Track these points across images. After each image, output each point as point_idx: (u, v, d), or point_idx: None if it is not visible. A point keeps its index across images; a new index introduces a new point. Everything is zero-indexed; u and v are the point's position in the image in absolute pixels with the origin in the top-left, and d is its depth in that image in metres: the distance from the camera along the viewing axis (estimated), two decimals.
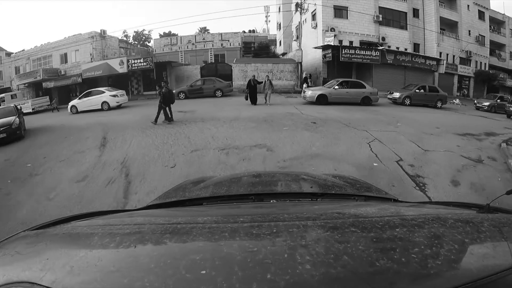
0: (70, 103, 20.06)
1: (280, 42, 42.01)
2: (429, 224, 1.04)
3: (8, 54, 40.52)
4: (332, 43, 26.07)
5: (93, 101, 19.22)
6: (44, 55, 33.62)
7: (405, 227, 0.99)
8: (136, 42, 48.92)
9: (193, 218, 1.29)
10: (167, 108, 12.38)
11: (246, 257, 0.80)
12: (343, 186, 2.03)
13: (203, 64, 29.73)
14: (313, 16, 28.91)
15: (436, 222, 1.06)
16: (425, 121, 13.17)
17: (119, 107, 19.30)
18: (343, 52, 24.83)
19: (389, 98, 19.42)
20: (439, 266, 0.75)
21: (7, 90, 33.13)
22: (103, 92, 19.63)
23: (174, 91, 22.61)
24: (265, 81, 16.98)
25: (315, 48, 27.11)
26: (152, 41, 46.12)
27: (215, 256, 0.82)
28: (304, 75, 22.68)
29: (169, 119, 12.37)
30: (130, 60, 26.54)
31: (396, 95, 19.14)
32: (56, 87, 31.48)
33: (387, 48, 26.63)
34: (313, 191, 1.82)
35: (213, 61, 35.04)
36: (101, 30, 30.88)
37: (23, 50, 35.98)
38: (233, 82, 25.90)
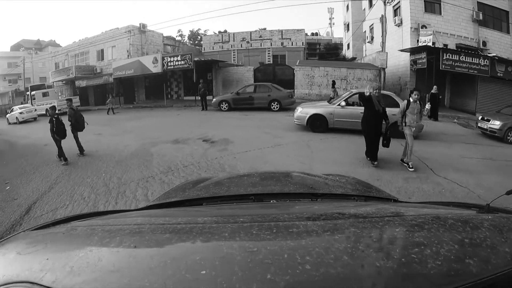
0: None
1: (348, 45, 38.10)
2: (429, 224, 1.05)
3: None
4: (430, 44, 18.89)
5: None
6: (82, 51, 31.94)
7: (405, 227, 1.02)
8: (191, 42, 44.93)
9: (193, 218, 1.32)
10: (77, 137, 9.39)
11: (246, 257, 0.81)
12: (343, 186, 2.09)
13: (258, 66, 23.62)
14: (396, 11, 23.07)
15: (436, 222, 1.07)
16: None
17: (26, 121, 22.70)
18: (445, 58, 17.78)
19: (479, 127, 12.23)
20: (439, 266, 0.76)
21: (41, 87, 30.18)
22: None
23: (213, 99, 16.85)
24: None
25: (401, 50, 20.88)
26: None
27: (215, 256, 0.84)
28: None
29: (65, 157, 8.72)
30: (165, 58, 21.48)
31: (496, 124, 11.63)
32: (91, 86, 29.87)
33: (497, 56, 18.72)
34: (313, 191, 1.85)
35: (270, 62, 28.94)
36: (140, 24, 28.02)
37: (73, 42, 34.62)
38: (295, 91, 21.03)
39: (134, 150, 9.33)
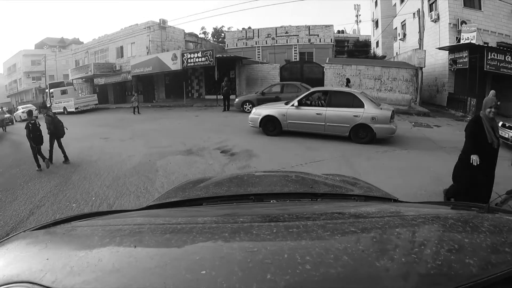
0: None
1: (377, 43, 36.58)
2: (429, 224, 1.07)
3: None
4: (474, 41, 16.77)
5: None
6: (101, 48, 31.34)
7: (405, 227, 1.03)
8: (215, 39, 43.83)
9: (193, 218, 1.33)
10: (53, 145, 8.70)
11: (246, 257, 0.81)
12: (343, 186, 2.10)
13: (284, 63, 21.79)
14: (432, 5, 21.31)
15: (436, 222, 1.09)
16: None
17: None
18: (489, 57, 15.44)
19: (503, 138, 8.80)
20: (439, 266, 0.77)
21: (60, 84, 29.75)
22: None
23: (235, 99, 15.16)
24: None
25: (440, 48, 18.85)
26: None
27: (215, 256, 0.84)
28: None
29: (47, 162, 8.33)
30: (185, 55, 19.99)
31: None
32: (111, 84, 29.32)
33: None
34: (313, 191, 1.88)
35: (297, 59, 27.14)
36: (160, 20, 26.87)
37: (93, 39, 34.34)
38: None
39: (137, 163, 7.93)
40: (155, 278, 0.74)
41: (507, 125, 9.43)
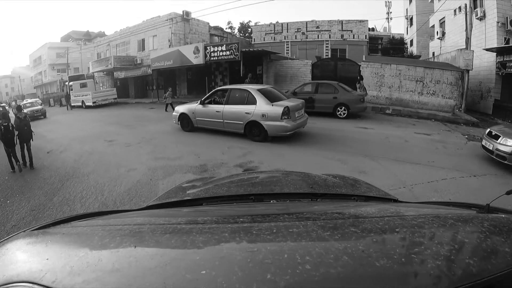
0: None
1: (411, 41, 34.41)
2: (429, 224, 1.06)
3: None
4: None
5: None
6: (123, 41, 30.53)
7: (405, 227, 1.02)
8: (241, 34, 42.24)
9: (193, 218, 1.34)
10: (23, 148, 8.29)
11: (246, 257, 0.81)
12: (343, 186, 2.10)
13: (316, 60, 19.73)
14: (476, 2, 18.73)
15: (436, 222, 1.08)
16: None
17: None
18: None
19: (483, 147, 7.71)
20: (439, 266, 0.77)
21: (80, 77, 28.81)
22: None
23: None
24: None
25: (487, 49, 16.42)
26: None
27: (215, 256, 0.84)
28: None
29: (20, 166, 8.02)
30: (208, 48, 18.16)
31: (508, 145, 7.02)
32: (131, 77, 28.37)
33: None
34: (313, 191, 1.86)
35: (329, 56, 25.04)
36: (183, 11, 25.22)
37: (115, 32, 33.55)
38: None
39: (135, 183, 6.19)
40: (155, 278, 0.74)
41: (493, 133, 7.47)
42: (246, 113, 8.92)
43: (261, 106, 8.69)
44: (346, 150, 8.01)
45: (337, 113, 13.19)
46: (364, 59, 19.36)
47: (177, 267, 0.79)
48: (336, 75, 18.76)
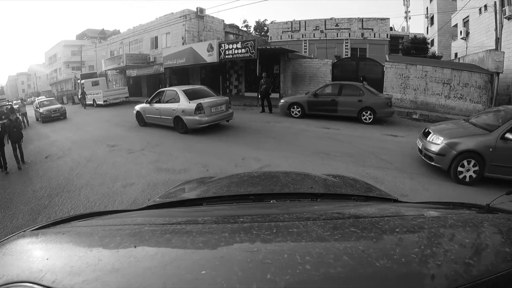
0: None
1: (432, 41, 32.88)
2: (429, 224, 1.07)
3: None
4: None
5: None
6: (136, 38, 29.92)
7: (405, 227, 1.03)
8: (257, 33, 41.36)
9: (193, 218, 1.33)
10: (15, 149, 8.61)
11: (246, 257, 0.82)
12: (343, 186, 2.11)
13: (335, 60, 18.60)
14: (504, 0, 17.52)
15: (436, 222, 1.08)
16: None
17: None
18: None
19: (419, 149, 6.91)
20: (439, 266, 0.77)
21: (93, 75, 28.35)
22: None
23: (281, 100, 14.09)
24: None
25: None
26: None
27: (215, 256, 0.85)
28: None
29: (5, 166, 8.39)
30: (223, 46, 17.24)
31: (436, 143, 6.24)
32: (144, 76, 27.60)
33: None
34: (313, 191, 1.85)
35: (348, 56, 23.76)
36: (197, 8, 24.31)
37: (128, 30, 32.78)
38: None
39: (131, 203, 5.24)
40: (155, 278, 0.73)
41: (426, 130, 6.92)
42: (172, 109, 10.74)
43: (182, 104, 10.37)
44: (381, 165, 6.83)
45: (362, 118, 11.92)
46: (387, 58, 18.07)
47: (177, 267, 0.79)
48: (358, 76, 17.50)
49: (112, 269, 0.79)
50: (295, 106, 12.94)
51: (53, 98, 24.22)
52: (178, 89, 10.99)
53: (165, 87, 24.45)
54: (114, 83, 32.58)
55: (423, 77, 16.23)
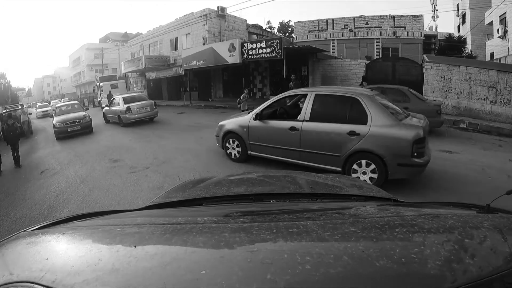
0: None
1: (464, 40, 29.94)
2: (429, 224, 1.05)
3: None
4: None
5: None
6: (156, 40, 29.24)
7: (405, 227, 1.01)
8: (281, 34, 39.81)
9: (193, 218, 1.31)
10: (13, 151, 9.50)
11: (246, 257, 0.81)
12: (343, 187, 2.08)
13: (368, 61, 16.74)
14: None
15: (436, 222, 1.07)
16: None
17: None
18: None
19: None
20: (439, 266, 0.76)
21: (112, 78, 27.75)
22: None
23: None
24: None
25: None
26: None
27: (215, 256, 0.84)
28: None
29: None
30: (245, 45, 15.66)
31: None
32: (164, 78, 26.60)
33: None
34: (313, 191, 1.86)
35: (380, 56, 21.92)
36: (218, 7, 23.03)
37: (148, 31, 32.11)
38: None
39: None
40: (155, 278, 0.73)
41: None
42: (113, 111, 15.13)
43: (121, 106, 14.34)
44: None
45: None
46: (426, 58, 16.04)
47: (177, 267, 0.78)
48: (395, 78, 15.59)
49: (112, 269, 0.78)
50: None
51: (75, 102, 18.36)
52: (120, 95, 15.37)
53: (186, 89, 23.37)
54: (134, 86, 31.72)
55: (467, 80, 14.32)
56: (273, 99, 6.43)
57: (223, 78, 23.11)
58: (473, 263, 0.77)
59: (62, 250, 0.98)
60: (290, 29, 41.61)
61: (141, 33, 50.48)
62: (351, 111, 5.37)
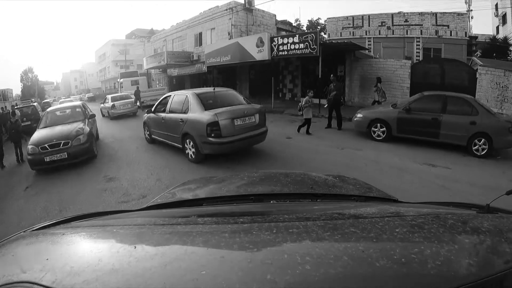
0: None
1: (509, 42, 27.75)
2: (429, 224, 1.04)
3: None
4: None
5: None
6: (179, 35, 27.62)
7: (405, 227, 1.01)
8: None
9: (193, 219, 1.27)
10: (16, 148, 9.65)
11: (246, 257, 0.81)
12: (343, 187, 2.04)
13: (416, 62, 14.61)
14: None
15: (436, 222, 1.05)
16: None
17: None
18: None
19: None
20: (439, 266, 0.76)
21: (133, 74, 26.81)
22: None
23: (357, 114, 10.22)
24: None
25: None
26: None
27: (215, 256, 0.84)
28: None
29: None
30: (275, 40, 14.93)
31: None
32: (187, 75, 24.98)
33: None
34: (313, 191, 1.80)
35: (419, 57, 19.77)
36: (245, 0, 21.19)
37: (171, 26, 30.86)
38: None
39: None
40: (155, 278, 0.73)
41: None
42: (105, 108, 19.12)
43: (109, 103, 18.27)
44: None
45: (473, 148, 7.77)
46: (479, 62, 14.04)
47: (177, 267, 0.78)
48: (444, 82, 13.47)
49: (112, 269, 0.78)
50: (379, 125, 9.13)
51: (78, 104, 11.41)
52: (109, 96, 15.20)
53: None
54: (157, 82, 30.51)
55: None
56: None
57: (249, 76, 21.42)
58: (473, 263, 0.77)
59: (62, 250, 0.97)
60: (319, 28, 39.11)
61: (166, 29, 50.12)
62: (184, 105, 7.25)
